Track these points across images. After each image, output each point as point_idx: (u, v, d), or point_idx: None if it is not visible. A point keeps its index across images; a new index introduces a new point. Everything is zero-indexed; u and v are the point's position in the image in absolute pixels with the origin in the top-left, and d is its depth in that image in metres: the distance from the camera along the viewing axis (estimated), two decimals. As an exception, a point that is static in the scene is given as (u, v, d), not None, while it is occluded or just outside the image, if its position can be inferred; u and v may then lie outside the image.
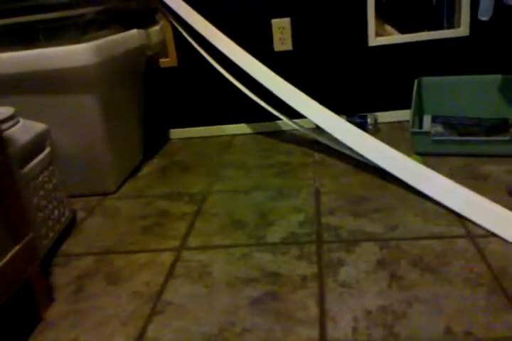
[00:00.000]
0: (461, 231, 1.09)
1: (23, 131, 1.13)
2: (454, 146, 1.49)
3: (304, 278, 0.98)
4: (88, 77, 1.37)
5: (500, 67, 1.79)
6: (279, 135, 1.92)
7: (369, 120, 1.76)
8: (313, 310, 0.88)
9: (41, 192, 1.14)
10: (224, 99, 1.96)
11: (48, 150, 1.21)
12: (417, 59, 1.85)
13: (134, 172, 1.67)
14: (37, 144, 1.16)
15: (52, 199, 1.19)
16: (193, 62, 1.91)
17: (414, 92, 1.67)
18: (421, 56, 1.84)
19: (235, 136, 1.97)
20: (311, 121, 1.62)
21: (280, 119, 1.88)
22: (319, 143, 1.73)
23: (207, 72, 1.90)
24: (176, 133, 2.00)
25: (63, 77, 1.36)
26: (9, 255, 0.87)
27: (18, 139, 1.08)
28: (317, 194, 1.35)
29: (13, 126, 1.10)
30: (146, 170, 1.70)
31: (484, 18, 1.48)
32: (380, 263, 1.00)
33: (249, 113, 1.96)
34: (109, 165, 1.49)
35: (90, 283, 1.05)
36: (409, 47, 1.83)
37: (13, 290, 0.87)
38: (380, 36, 1.84)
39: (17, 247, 0.90)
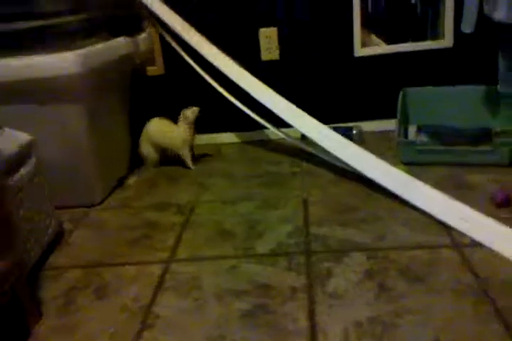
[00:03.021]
0: (447, 240, 1.11)
1: (9, 141, 1.12)
2: (439, 156, 1.52)
3: (294, 290, 0.98)
4: (75, 85, 1.36)
5: (483, 77, 1.83)
6: (267, 144, 1.93)
7: (354, 132, 1.78)
8: (304, 322, 0.89)
9: (27, 204, 1.13)
10: (211, 108, 1.96)
11: (33, 161, 1.19)
12: (402, 69, 1.87)
13: (120, 182, 1.65)
14: (22, 155, 1.15)
15: (39, 211, 1.18)
16: (180, 70, 1.91)
17: (399, 103, 1.69)
18: (406, 66, 1.87)
19: (222, 145, 1.97)
20: (297, 131, 1.64)
21: (267, 128, 1.89)
22: (306, 153, 1.74)
23: (194, 80, 1.90)
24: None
25: (49, 85, 1.34)
26: (-5, 270, 0.86)
27: (3, 150, 1.07)
28: (305, 204, 1.36)
29: (-1, 137, 1.09)
30: (133, 179, 1.68)
31: (467, 31, 1.52)
32: (369, 274, 1.01)
33: (237, 122, 1.97)
34: (95, 176, 1.48)
35: (79, 297, 1.03)
36: (395, 58, 1.86)
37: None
38: (366, 45, 1.87)
39: (2, 262, 0.88)
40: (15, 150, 1.11)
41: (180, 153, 1.71)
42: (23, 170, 1.13)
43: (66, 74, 1.33)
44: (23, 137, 1.18)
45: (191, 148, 1.73)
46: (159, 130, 1.72)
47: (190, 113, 1.69)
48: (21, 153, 1.14)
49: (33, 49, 1.38)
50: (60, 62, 1.34)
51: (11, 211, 1.01)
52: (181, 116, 1.70)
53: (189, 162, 1.71)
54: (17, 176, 1.10)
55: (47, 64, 1.34)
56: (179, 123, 1.70)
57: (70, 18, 1.46)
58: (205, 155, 1.82)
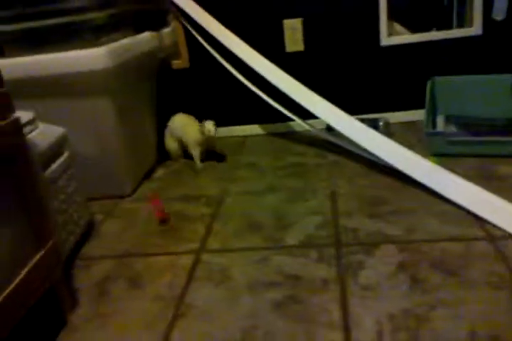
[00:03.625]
0: (481, 233, 1.09)
1: (43, 135, 1.14)
2: (469, 147, 1.49)
3: (325, 281, 0.98)
4: (104, 80, 1.38)
5: (515, 66, 1.79)
6: (291, 136, 1.93)
7: (380, 123, 1.76)
8: (336, 314, 0.89)
9: (61, 196, 1.15)
10: (236, 100, 1.96)
11: (66, 154, 1.21)
12: (430, 58, 1.84)
13: (148, 174, 1.68)
14: (56, 148, 1.17)
15: (72, 203, 1.20)
16: (205, 63, 1.91)
17: (427, 92, 1.66)
18: (434, 55, 1.83)
19: (247, 136, 1.98)
20: (322, 122, 1.62)
21: (292, 120, 1.89)
22: (332, 144, 1.73)
23: (219, 73, 1.91)
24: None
25: (79, 80, 1.36)
26: (34, 260, 0.88)
27: (38, 144, 1.09)
28: (333, 196, 1.36)
29: (33, 130, 1.11)
30: (160, 172, 1.70)
31: (498, 18, 1.48)
32: (401, 266, 1.00)
33: (261, 114, 1.97)
34: (124, 168, 1.50)
35: (112, 286, 1.06)
36: (422, 47, 1.82)
37: (38, 295, 0.88)
38: (390, 35, 1.84)
39: (41, 252, 0.91)
40: (49, 144, 1.13)
41: (191, 151, 1.69)
42: (56, 163, 1.15)
43: (95, 69, 1.35)
44: (57, 131, 1.20)
45: (206, 148, 1.70)
46: (180, 126, 1.73)
47: (211, 127, 1.64)
48: (55, 147, 1.16)
49: (63, 45, 1.41)
50: (89, 58, 1.35)
51: (47, 202, 1.03)
52: (202, 125, 1.66)
53: (197, 161, 1.68)
54: (51, 169, 1.12)
55: (77, 59, 1.36)
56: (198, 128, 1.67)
57: (98, 14, 1.48)
58: (218, 156, 1.77)
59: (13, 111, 0.85)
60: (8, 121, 0.82)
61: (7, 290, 0.79)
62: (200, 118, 1.99)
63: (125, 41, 1.52)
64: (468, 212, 1.18)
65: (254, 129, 1.99)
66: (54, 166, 1.14)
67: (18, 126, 0.86)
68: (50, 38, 1.45)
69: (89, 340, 0.90)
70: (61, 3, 1.43)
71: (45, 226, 0.93)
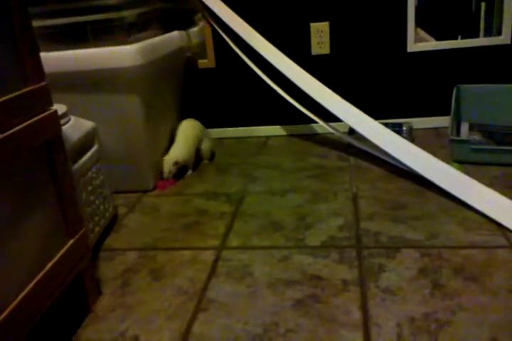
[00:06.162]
0: (503, 241, 1.09)
1: (74, 128, 1.17)
2: (493, 155, 1.48)
3: (346, 283, 0.99)
4: (133, 77, 1.41)
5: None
6: (313, 138, 1.94)
7: (404, 128, 1.76)
8: (357, 315, 0.90)
9: (89, 188, 1.18)
10: (259, 101, 1.98)
11: (95, 147, 1.24)
12: (456, 66, 1.84)
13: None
14: (86, 141, 1.20)
15: (99, 195, 1.23)
16: (231, 64, 1.93)
17: (453, 100, 1.66)
18: (460, 63, 1.83)
19: (268, 137, 1.99)
20: (345, 125, 1.63)
21: (314, 122, 1.90)
22: (353, 147, 1.74)
23: (244, 74, 1.93)
24: (212, 133, 2.03)
25: (110, 76, 1.39)
26: (64, 248, 0.91)
27: (70, 136, 1.12)
28: (355, 198, 1.37)
29: (66, 123, 1.14)
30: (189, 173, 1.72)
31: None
32: (422, 271, 1.01)
33: (284, 115, 1.98)
34: (148, 164, 1.52)
35: (135, 278, 1.08)
36: (449, 54, 1.82)
37: (67, 283, 0.90)
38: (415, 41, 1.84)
39: (71, 241, 0.93)
40: (80, 137, 1.16)
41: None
42: (86, 156, 1.18)
43: (126, 66, 1.38)
44: (87, 124, 1.23)
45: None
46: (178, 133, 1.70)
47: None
48: (85, 140, 1.19)
49: (93, 41, 1.44)
50: (121, 55, 1.38)
51: (77, 193, 1.05)
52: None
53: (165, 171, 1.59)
54: (81, 161, 1.15)
55: (108, 56, 1.39)
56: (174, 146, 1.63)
57: (129, 12, 1.51)
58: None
59: (51, 103, 0.88)
60: (47, 113, 0.85)
61: (39, 276, 0.81)
62: (223, 117, 2.01)
63: (155, 39, 1.55)
64: (491, 220, 1.18)
65: (277, 130, 2.01)
66: (84, 158, 1.17)
67: (56, 118, 0.88)
68: (82, 34, 1.48)
69: (113, 329, 0.93)
70: (93, 1, 1.46)
71: (76, 215, 0.96)
